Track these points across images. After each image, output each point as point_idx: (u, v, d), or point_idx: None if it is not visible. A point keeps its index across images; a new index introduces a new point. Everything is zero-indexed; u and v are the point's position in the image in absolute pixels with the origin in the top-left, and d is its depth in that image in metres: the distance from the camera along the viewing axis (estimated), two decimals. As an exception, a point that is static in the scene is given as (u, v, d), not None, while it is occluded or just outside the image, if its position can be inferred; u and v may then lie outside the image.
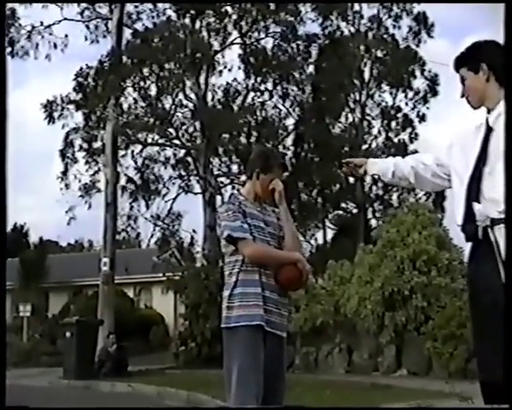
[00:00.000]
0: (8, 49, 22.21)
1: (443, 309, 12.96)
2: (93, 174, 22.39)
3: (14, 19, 22.30)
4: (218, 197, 22.92)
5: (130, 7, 23.08)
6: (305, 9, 23.05)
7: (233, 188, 23.22)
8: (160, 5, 23.10)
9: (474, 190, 3.01)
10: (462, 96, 3.25)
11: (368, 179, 24.16)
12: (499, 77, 3.11)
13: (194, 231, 22.55)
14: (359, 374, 13.48)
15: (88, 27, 22.98)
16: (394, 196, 23.99)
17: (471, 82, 3.19)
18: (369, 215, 24.39)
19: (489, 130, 3.09)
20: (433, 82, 23.75)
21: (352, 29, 24.19)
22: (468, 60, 3.22)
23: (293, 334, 15.55)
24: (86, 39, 22.94)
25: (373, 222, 23.85)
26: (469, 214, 3.02)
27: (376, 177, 3.74)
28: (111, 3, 22.38)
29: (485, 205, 2.96)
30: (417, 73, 23.57)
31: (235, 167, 23.24)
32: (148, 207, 22.43)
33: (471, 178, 3.04)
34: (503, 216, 2.87)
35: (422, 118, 23.90)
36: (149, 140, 22.83)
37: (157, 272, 21.04)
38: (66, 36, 22.62)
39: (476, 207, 2.98)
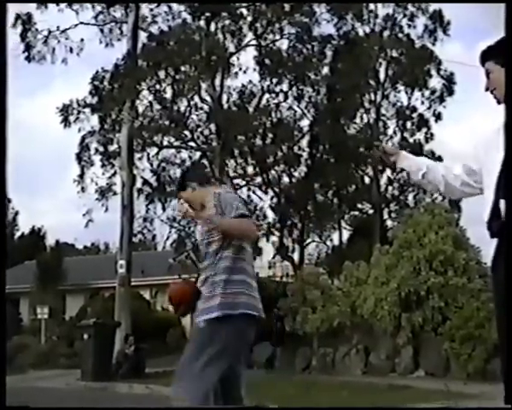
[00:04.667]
0: (25, 54, 22.40)
1: (460, 310, 12.88)
2: (109, 177, 22.48)
3: (31, 24, 22.46)
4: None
5: (144, 10, 23.18)
6: (319, 10, 23.03)
7: (248, 189, 23.27)
8: (174, 8, 23.17)
9: (501, 188, 3.00)
10: (487, 89, 3.22)
11: (383, 180, 24.11)
12: None
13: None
14: (376, 375, 13.44)
15: (103, 31, 23.10)
16: (410, 197, 23.89)
17: (498, 75, 3.15)
18: (385, 216, 24.30)
19: None
20: (450, 81, 23.61)
21: (367, 29, 24.13)
22: (496, 53, 3.19)
23: (310, 335, 15.57)
24: (101, 43, 23.06)
25: (389, 223, 23.77)
26: (496, 211, 3.01)
27: (405, 173, 3.60)
28: (127, 6, 22.49)
29: None
30: (433, 72, 23.44)
31: (250, 169, 23.27)
32: (164, 209, 22.51)
33: (499, 176, 3.03)
34: None
35: (438, 117, 23.76)
36: (165, 142, 22.89)
37: (173, 274, 21.04)
38: (82, 40, 22.75)
39: (503, 203, 2.97)
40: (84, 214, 22.01)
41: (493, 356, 11.28)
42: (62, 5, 22.36)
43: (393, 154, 3.57)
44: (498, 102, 3.18)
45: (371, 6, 23.87)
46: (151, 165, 22.81)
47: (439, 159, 23.41)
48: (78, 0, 22.50)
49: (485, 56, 3.25)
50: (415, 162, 3.54)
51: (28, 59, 22.54)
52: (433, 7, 23.19)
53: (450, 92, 23.71)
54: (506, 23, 2.98)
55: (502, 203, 2.98)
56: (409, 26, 23.71)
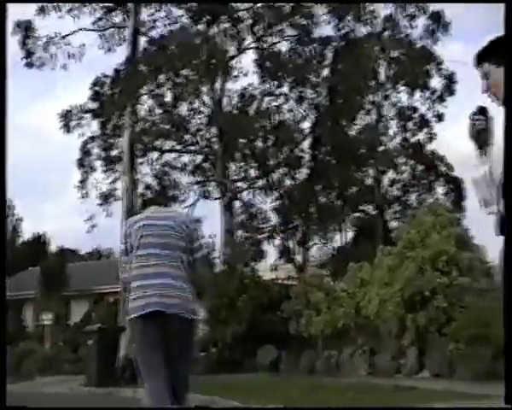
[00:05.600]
0: (26, 61, 22.43)
1: (465, 310, 12.84)
2: (111, 182, 22.51)
3: (31, 30, 22.49)
4: (237, 202, 22.98)
5: (144, 15, 23.22)
6: (319, 12, 23.02)
7: (250, 193, 23.25)
8: (174, 12, 23.21)
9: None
10: (486, 91, 3.17)
11: (386, 181, 24.07)
12: None
13: (211, 236, 22.55)
14: (382, 376, 13.39)
15: (103, 36, 23.13)
16: (413, 197, 23.85)
17: (498, 76, 3.09)
18: (388, 217, 24.25)
19: None
20: (450, 80, 23.56)
21: (367, 30, 24.07)
22: (493, 53, 3.15)
23: (315, 337, 15.54)
24: (101, 48, 23.10)
25: (392, 223, 23.71)
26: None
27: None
28: (126, 11, 22.50)
29: None
30: (433, 72, 23.41)
31: (252, 172, 23.27)
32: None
33: None
34: None
35: (440, 118, 23.72)
36: (166, 147, 22.90)
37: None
38: (83, 45, 22.78)
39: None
40: (86, 220, 22.04)
41: (499, 356, 11.23)
42: (62, 11, 22.41)
43: None
44: (499, 104, 3.14)
45: (371, 6, 23.84)
46: (152, 169, 22.83)
47: (441, 158, 23.41)
48: (79, 0, 22.53)
49: (482, 58, 3.20)
50: None
51: (29, 65, 22.58)
52: (432, 7, 23.15)
53: (451, 92, 23.66)
54: (506, 23, 2.96)
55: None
56: (409, 26, 23.67)
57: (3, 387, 4.76)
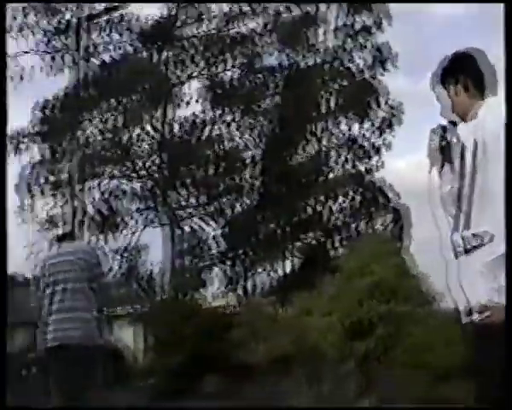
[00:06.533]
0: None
1: (407, 337, 13.00)
2: (53, 208, 22.09)
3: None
4: (182, 229, 22.85)
5: (94, 39, 23.16)
6: (270, 40, 23.22)
7: (192, 221, 23.10)
8: (124, 36, 23.19)
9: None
10: (446, 113, 3.26)
11: (335, 207, 24.10)
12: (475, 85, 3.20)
13: (154, 263, 22.35)
14: (324, 404, 13.41)
15: (53, 58, 22.92)
16: (357, 226, 23.90)
17: (463, 97, 3.20)
18: (334, 245, 24.29)
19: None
20: (397, 110, 23.75)
21: (315, 60, 24.26)
22: (454, 74, 3.25)
23: (258, 365, 15.50)
24: (52, 69, 22.80)
25: (338, 252, 23.74)
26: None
27: None
28: (77, 33, 22.44)
29: None
30: (380, 101, 23.58)
31: (198, 199, 23.16)
32: (108, 240, 22.20)
33: None
34: None
35: (388, 146, 23.81)
36: (112, 172, 22.67)
37: (119, 305, 20.78)
38: (32, 67, 22.52)
39: None
40: (25, 246, 21.53)
41: (440, 382, 11.44)
42: (13, 32, 22.17)
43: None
44: (463, 120, 3.21)
45: (321, 37, 24.05)
46: (98, 195, 22.54)
47: (381, 189, 23.53)
48: (81, 0, 22.44)
49: (444, 79, 3.27)
50: None
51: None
52: (379, 39, 23.50)
53: (399, 121, 23.89)
54: (505, 23, 3.02)
55: None
56: (358, 57, 23.85)
57: (3, 387, 4.81)
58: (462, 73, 3.21)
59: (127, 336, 22.19)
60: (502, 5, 3.10)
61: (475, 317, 2.97)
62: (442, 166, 3.18)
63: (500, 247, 2.90)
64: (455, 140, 3.13)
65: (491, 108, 3.09)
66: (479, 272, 2.95)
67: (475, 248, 3.01)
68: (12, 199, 23.98)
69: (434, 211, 3.22)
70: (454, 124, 3.21)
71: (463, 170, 3.05)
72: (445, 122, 3.25)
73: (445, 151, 3.16)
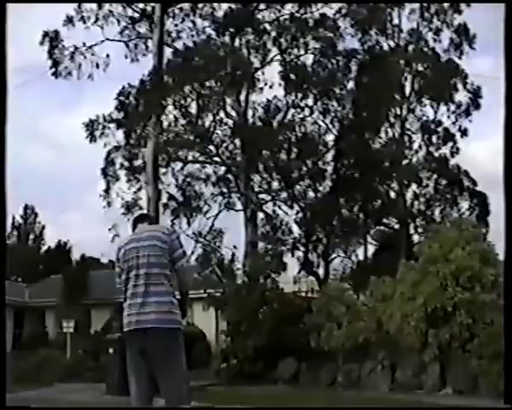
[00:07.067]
0: (52, 70, 22.72)
1: (489, 326, 12.70)
2: (135, 192, 22.61)
3: (58, 41, 22.80)
4: (260, 214, 22.96)
5: (169, 26, 23.44)
6: (344, 25, 23.03)
7: (274, 204, 23.22)
8: (199, 23, 23.39)
9: None
10: None
11: (409, 194, 23.88)
12: None
13: (235, 247, 22.55)
14: (403, 392, 13.27)
15: (128, 46, 23.38)
16: (437, 212, 23.62)
17: None
18: (412, 231, 24.04)
19: None
20: (476, 95, 23.36)
21: (392, 43, 24.03)
22: None
23: (335, 351, 15.45)
24: (127, 58, 23.33)
25: (415, 238, 23.50)
26: None
27: None
28: (152, 21, 22.72)
29: None
30: (459, 86, 23.21)
31: (275, 184, 23.23)
32: (189, 224, 22.55)
33: None
34: None
35: (464, 132, 23.49)
36: (190, 157, 22.98)
37: (198, 289, 21.12)
38: (108, 55, 23.02)
39: None
40: (109, 229, 22.14)
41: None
42: (88, 22, 22.70)
43: None
44: None
45: (395, 20, 23.81)
46: (176, 180, 22.90)
47: (466, 173, 23.16)
48: (88, 0, 22.82)
49: None
50: None
51: (55, 75, 22.85)
52: (458, 20, 23.02)
53: (477, 106, 23.44)
54: (506, 23, 2.98)
55: None
56: (434, 40, 23.56)
57: (3, 387, 4.83)
58: None
59: (207, 320, 22.54)
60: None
61: None
62: None
63: None
64: None
65: None
66: None
67: None
68: (97, 183, 24.74)
69: None
70: None
71: None
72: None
73: None
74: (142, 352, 4.75)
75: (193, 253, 22.57)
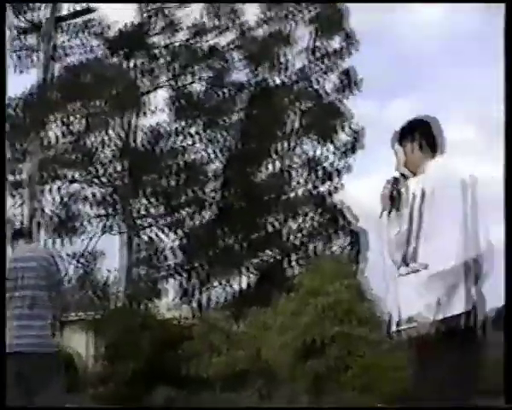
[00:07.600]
0: None
1: (361, 358, 13.15)
2: (16, 208, 21.72)
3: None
4: (139, 238, 22.69)
5: (60, 39, 22.98)
6: (236, 56, 23.39)
7: (151, 231, 22.95)
8: (90, 41, 23.07)
9: None
10: (400, 167, 3.83)
11: (293, 226, 24.19)
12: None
13: (115, 270, 22.11)
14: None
15: (15, 57, 22.65)
16: (316, 246, 24.05)
17: (415, 155, 3.79)
18: (292, 263, 24.37)
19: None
20: (360, 135, 23.97)
21: (279, 80, 24.43)
22: (412, 134, 3.82)
23: (214, 379, 15.45)
24: (15, 70, 22.53)
25: (295, 270, 23.81)
26: None
27: None
28: (41, 34, 22.21)
29: None
30: (344, 125, 23.76)
31: (158, 209, 23.05)
32: (63, 244, 21.87)
33: None
34: None
35: (348, 169, 23.99)
36: (73, 176, 22.40)
37: (74, 311, 20.53)
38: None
39: None
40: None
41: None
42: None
43: None
44: (414, 174, 3.78)
45: (287, 56, 24.27)
46: (53, 199, 22.17)
47: (341, 212, 23.75)
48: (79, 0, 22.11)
49: (402, 138, 3.84)
50: None
51: None
52: (346, 64, 23.84)
53: (361, 146, 24.12)
54: (506, 23, 3.12)
55: None
56: (318, 81, 24.13)
57: (3, 387, 4.79)
58: (417, 133, 3.81)
59: (79, 343, 21.87)
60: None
61: (402, 327, 3.57)
62: (390, 212, 3.75)
63: (437, 267, 3.45)
64: (404, 190, 3.71)
65: (439, 164, 3.73)
66: (415, 292, 3.49)
67: (412, 272, 3.55)
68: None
69: (382, 250, 3.81)
70: (404, 177, 3.80)
71: (412, 215, 3.59)
72: (397, 175, 3.85)
73: (394, 199, 3.73)
74: (21, 373, 4.90)
75: (66, 274, 21.84)
